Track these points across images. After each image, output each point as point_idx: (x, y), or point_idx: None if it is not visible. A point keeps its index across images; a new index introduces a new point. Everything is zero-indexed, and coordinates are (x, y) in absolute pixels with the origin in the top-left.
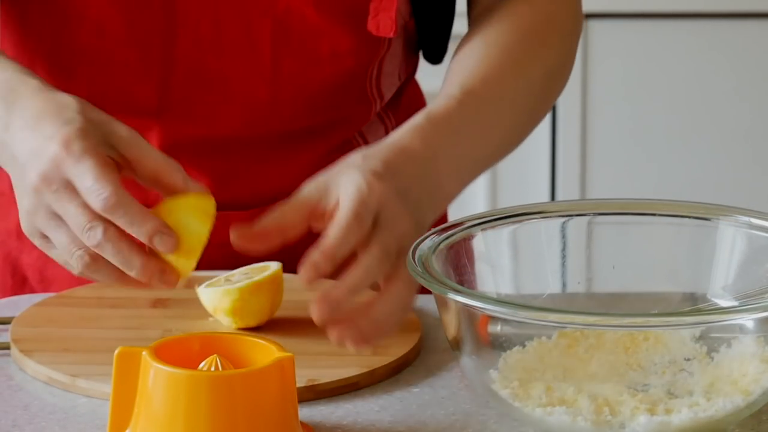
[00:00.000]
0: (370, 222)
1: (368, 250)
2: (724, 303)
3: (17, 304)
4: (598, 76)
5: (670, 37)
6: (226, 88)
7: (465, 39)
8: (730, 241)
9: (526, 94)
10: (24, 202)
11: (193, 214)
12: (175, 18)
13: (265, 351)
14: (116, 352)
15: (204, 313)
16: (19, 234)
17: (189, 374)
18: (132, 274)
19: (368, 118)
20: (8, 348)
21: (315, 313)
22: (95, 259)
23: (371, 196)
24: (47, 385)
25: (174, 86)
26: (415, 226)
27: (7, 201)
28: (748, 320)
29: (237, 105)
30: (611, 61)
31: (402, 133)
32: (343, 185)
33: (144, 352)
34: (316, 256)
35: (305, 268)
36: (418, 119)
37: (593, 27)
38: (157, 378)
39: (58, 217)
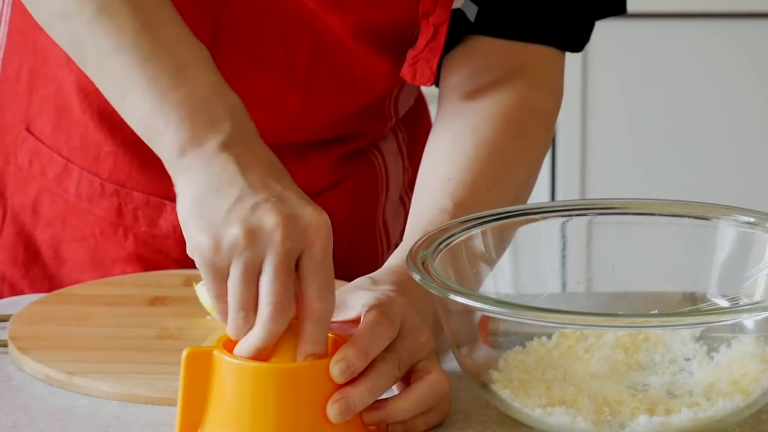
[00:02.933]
0: (399, 323)
1: (391, 354)
2: (723, 303)
3: (17, 304)
4: (598, 76)
5: (670, 37)
6: (259, 97)
7: (448, 121)
8: (730, 240)
9: (513, 195)
10: (220, 226)
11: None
12: (219, 22)
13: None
14: (184, 353)
15: (202, 311)
16: (35, 209)
17: (257, 367)
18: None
19: (382, 133)
20: (6, 345)
21: (332, 411)
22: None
23: (396, 305)
24: (47, 386)
25: None
26: (433, 340)
27: (24, 176)
28: (748, 320)
29: (267, 113)
30: (611, 61)
31: (402, 257)
32: (365, 299)
33: (215, 351)
34: (348, 352)
35: (338, 364)
36: (414, 242)
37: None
38: (227, 373)
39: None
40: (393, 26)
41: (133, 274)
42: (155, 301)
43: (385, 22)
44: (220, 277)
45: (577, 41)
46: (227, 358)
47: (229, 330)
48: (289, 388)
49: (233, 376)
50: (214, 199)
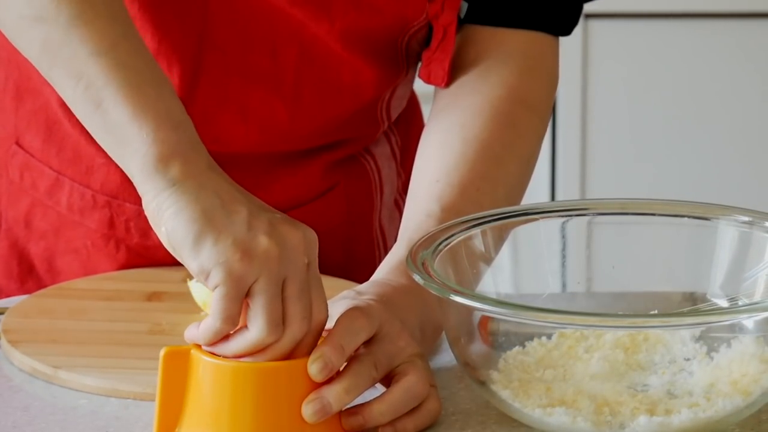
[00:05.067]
0: (376, 322)
1: (367, 355)
2: (723, 303)
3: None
4: (598, 76)
5: (670, 37)
6: (247, 108)
7: (438, 118)
8: (730, 240)
9: (504, 194)
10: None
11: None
12: (205, 35)
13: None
14: (162, 352)
15: (197, 308)
16: (27, 223)
17: (235, 366)
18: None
19: (375, 138)
20: None
21: (307, 411)
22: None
23: (373, 309)
24: (47, 386)
25: (196, 102)
26: (416, 345)
27: (16, 189)
28: (747, 320)
29: (255, 125)
30: (611, 61)
31: (388, 269)
32: (343, 308)
33: (193, 350)
34: (324, 349)
35: (315, 362)
36: (400, 252)
37: (593, 27)
38: (205, 372)
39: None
40: (382, 32)
41: (133, 270)
42: (152, 297)
43: (374, 28)
44: (241, 294)
45: (565, 24)
46: (205, 357)
47: (250, 344)
48: (266, 387)
49: (211, 375)
50: (224, 216)
